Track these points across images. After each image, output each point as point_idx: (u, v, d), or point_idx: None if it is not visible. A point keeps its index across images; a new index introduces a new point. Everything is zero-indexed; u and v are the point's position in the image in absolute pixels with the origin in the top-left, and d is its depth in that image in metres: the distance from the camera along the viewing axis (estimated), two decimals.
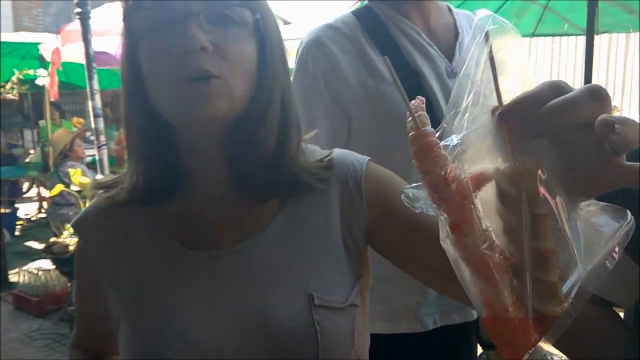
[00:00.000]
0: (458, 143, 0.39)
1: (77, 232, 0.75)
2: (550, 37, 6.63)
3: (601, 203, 0.41)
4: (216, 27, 0.59)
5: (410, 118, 0.40)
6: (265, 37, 0.63)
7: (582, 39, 3.53)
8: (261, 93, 0.62)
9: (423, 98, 0.41)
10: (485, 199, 0.40)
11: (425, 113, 0.40)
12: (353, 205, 0.69)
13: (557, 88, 0.37)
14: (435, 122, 0.39)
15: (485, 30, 0.39)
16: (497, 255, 0.39)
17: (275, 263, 0.65)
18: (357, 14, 1.09)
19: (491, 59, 0.39)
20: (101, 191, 0.72)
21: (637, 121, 0.37)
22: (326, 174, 0.69)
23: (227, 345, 0.62)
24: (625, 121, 0.35)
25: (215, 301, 0.64)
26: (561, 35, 5.20)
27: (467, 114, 0.39)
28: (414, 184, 0.41)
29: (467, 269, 0.40)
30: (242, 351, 0.62)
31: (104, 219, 0.71)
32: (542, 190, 0.38)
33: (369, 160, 0.72)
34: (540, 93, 0.37)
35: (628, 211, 0.41)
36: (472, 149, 0.39)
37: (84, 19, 3.00)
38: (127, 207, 0.68)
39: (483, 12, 0.40)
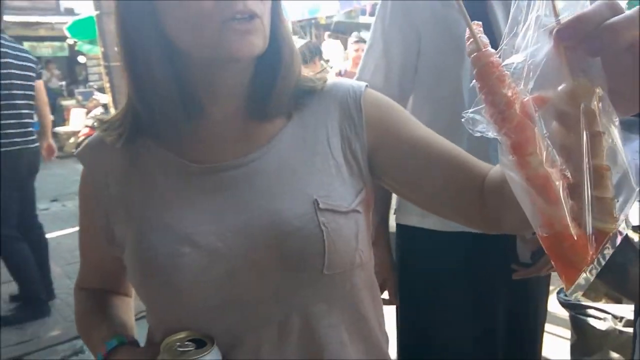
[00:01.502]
0: (519, 63, 0.39)
1: (81, 159, 0.75)
2: None
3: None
4: None
5: (471, 40, 0.40)
6: None
7: None
8: (279, 29, 0.67)
9: (480, 22, 0.41)
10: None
11: (485, 35, 0.40)
12: (353, 124, 0.73)
13: (613, 7, 0.38)
14: (496, 47, 0.40)
15: None
16: (558, 173, 0.40)
17: (281, 172, 0.69)
18: None
19: None
20: (104, 125, 0.73)
21: None
22: (320, 84, 0.74)
23: (236, 246, 0.65)
24: None
25: (223, 207, 0.67)
26: None
27: (527, 35, 0.39)
28: (472, 108, 0.41)
29: (527, 189, 0.40)
30: (252, 252, 0.65)
31: (109, 145, 0.72)
32: (599, 108, 0.39)
33: (366, 85, 0.76)
34: (598, 11, 0.38)
35: None
36: (531, 69, 0.39)
37: None
38: (133, 135, 0.70)
39: None
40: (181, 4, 0.61)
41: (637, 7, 0.38)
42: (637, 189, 0.40)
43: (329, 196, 0.68)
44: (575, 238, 0.40)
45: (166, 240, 0.65)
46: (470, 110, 0.41)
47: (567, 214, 0.40)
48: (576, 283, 0.41)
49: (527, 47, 0.40)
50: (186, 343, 0.62)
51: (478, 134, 0.41)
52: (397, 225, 1.35)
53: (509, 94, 0.39)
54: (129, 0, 0.64)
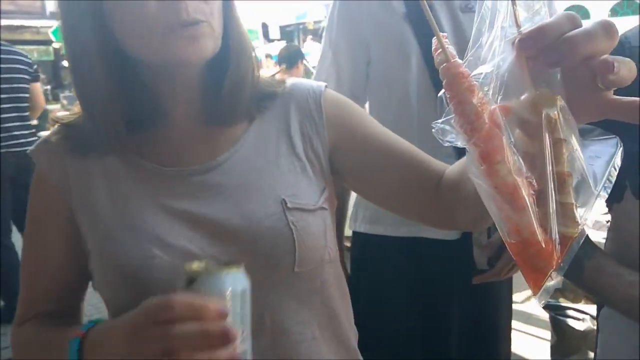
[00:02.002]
0: (486, 74, 0.40)
1: (37, 158, 0.72)
2: None
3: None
4: None
5: (439, 50, 0.40)
6: None
7: None
8: (229, 29, 0.67)
9: (445, 33, 0.42)
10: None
11: (451, 46, 0.41)
12: (314, 123, 0.75)
13: (573, 20, 0.40)
14: None
15: None
16: (524, 181, 0.41)
17: (248, 174, 0.70)
18: None
19: None
20: (64, 128, 0.72)
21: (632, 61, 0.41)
22: (281, 87, 0.76)
23: (208, 248, 0.66)
24: (622, 61, 0.39)
25: (193, 211, 0.67)
26: None
27: (493, 46, 0.40)
28: (442, 119, 0.41)
29: (495, 197, 0.41)
30: (223, 253, 0.66)
31: (68, 144, 0.70)
32: (560, 116, 0.41)
33: (326, 85, 0.78)
34: (558, 24, 0.39)
35: (617, 137, 0.45)
36: (498, 79, 0.40)
37: None
38: (93, 138, 0.69)
39: None
40: (126, 10, 0.61)
41: (595, 21, 0.40)
42: (596, 194, 0.41)
43: (296, 195, 0.70)
44: (542, 244, 0.41)
45: (137, 243, 0.65)
46: (440, 121, 0.41)
47: (534, 220, 0.41)
48: (543, 287, 0.43)
49: (493, 58, 0.40)
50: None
51: (447, 144, 0.41)
52: (352, 233, 1.37)
53: (478, 104, 0.39)
54: (76, 1, 0.63)
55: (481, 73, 0.40)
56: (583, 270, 0.81)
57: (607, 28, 0.39)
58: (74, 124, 0.71)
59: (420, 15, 1.06)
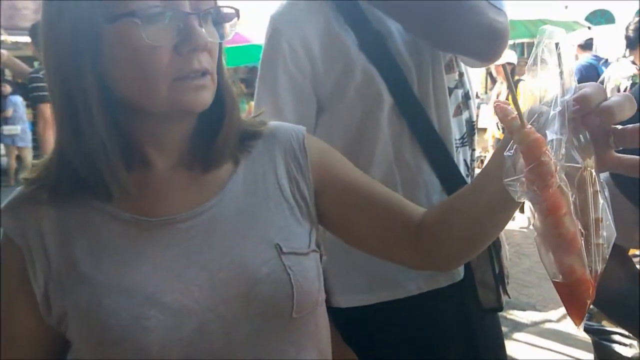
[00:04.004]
0: (554, 139, 0.46)
1: (5, 224, 0.65)
2: None
3: None
4: (205, 24, 0.62)
5: (514, 116, 0.45)
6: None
7: None
8: (220, 77, 0.67)
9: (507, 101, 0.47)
10: None
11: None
12: (299, 166, 0.75)
13: (603, 91, 0.49)
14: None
15: (557, 42, 0.47)
16: (580, 229, 0.47)
17: (238, 219, 0.68)
18: None
19: (560, 68, 0.47)
20: (32, 178, 0.66)
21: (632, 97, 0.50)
22: (264, 128, 0.76)
23: (204, 300, 0.63)
24: (625, 100, 0.49)
25: (184, 261, 0.64)
26: None
27: (551, 114, 0.47)
28: (512, 177, 0.47)
29: (555, 243, 0.47)
30: (221, 304, 0.63)
31: (42, 203, 0.65)
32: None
33: (305, 128, 0.79)
34: (596, 94, 0.48)
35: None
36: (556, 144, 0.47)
37: None
38: (69, 190, 0.64)
39: (549, 28, 0.48)
40: (133, 59, 0.59)
41: (622, 94, 0.49)
42: (615, 234, 0.50)
43: (289, 239, 0.69)
44: (589, 282, 0.48)
45: (128, 304, 0.61)
46: (510, 179, 0.46)
47: (585, 262, 0.48)
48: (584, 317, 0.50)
49: (554, 123, 0.47)
50: None
51: (520, 199, 0.46)
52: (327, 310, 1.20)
53: (553, 166, 0.45)
54: (70, 47, 0.60)
55: (552, 140, 0.46)
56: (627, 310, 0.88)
57: (631, 100, 0.49)
58: (44, 177, 0.65)
59: (377, 45, 1.01)
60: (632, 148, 0.50)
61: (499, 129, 5.11)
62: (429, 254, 0.74)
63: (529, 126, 0.46)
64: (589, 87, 0.49)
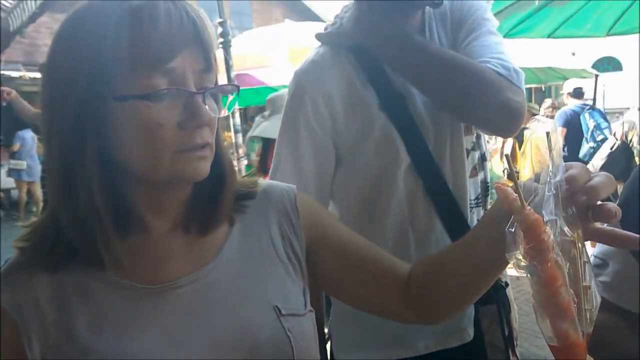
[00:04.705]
0: (550, 219, 0.53)
1: (1, 289, 0.63)
2: None
3: None
4: (207, 99, 0.64)
5: (515, 197, 0.53)
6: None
7: None
8: (218, 147, 0.69)
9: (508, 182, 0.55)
10: None
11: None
12: (292, 225, 0.77)
13: (588, 171, 0.58)
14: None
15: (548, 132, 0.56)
16: (573, 297, 0.54)
17: (236, 282, 0.69)
18: (351, 48, 1.09)
19: (550, 153, 0.55)
20: (25, 246, 0.65)
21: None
22: (255, 187, 0.78)
23: None
24: (606, 181, 0.57)
25: (184, 329, 0.65)
26: None
27: (546, 195, 0.54)
28: (513, 252, 0.54)
29: (551, 310, 0.54)
30: None
31: (36, 272, 0.64)
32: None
33: (296, 186, 0.81)
34: (582, 174, 0.57)
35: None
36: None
37: (226, 47, 3.73)
38: (62, 258, 0.64)
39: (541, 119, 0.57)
40: (138, 136, 0.61)
41: (603, 174, 0.57)
42: (600, 299, 0.56)
43: (287, 300, 0.71)
44: (582, 345, 0.55)
45: None
46: (511, 253, 0.54)
47: (577, 327, 0.54)
48: None
49: (549, 206, 0.54)
50: None
51: (521, 273, 0.53)
52: None
53: (551, 243, 0.52)
54: (73, 117, 0.60)
55: (549, 220, 0.53)
56: None
57: (611, 179, 0.58)
58: (40, 243, 0.65)
59: (397, 105, 1.05)
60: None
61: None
62: (420, 306, 0.77)
63: (529, 208, 0.53)
64: (575, 169, 0.57)
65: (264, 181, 0.81)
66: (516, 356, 1.15)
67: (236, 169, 0.82)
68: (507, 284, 1.17)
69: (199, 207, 0.70)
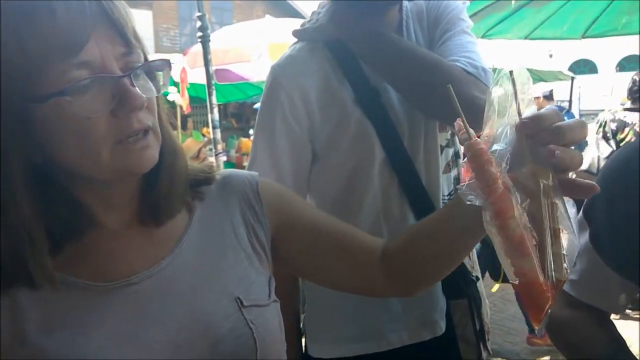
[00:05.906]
0: (500, 150, 0.50)
1: None
2: None
3: None
4: (138, 80, 0.60)
5: (463, 130, 0.50)
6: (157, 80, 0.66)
7: None
8: (163, 131, 0.66)
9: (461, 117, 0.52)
10: None
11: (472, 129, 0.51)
12: (255, 213, 0.75)
13: (559, 114, 0.54)
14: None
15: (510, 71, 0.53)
16: (529, 234, 0.51)
17: (196, 274, 0.67)
18: (327, 43, 1.09)
19: (515, 93, 0.52)
20: None
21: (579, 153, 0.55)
22: (215, 174, 0.75)
23: None
24: (574, 124, 0.53)
25: (143, 324, 0.62)
26: None
27: (505, 130, 0.51)
28: (464, 184, 0.51)
29: (505, 246, 0.51)
30: None
31: None
32: (552, 185, 0.52)
33: (258, 174, 0.79)
34: (550, 115, 0.53)
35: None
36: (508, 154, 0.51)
37: (205, 42, 3.54)
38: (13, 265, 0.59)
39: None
40: (70, 134, 0.57)
41: (574, 119, 0.54)
42: (579, 246, 0.53)
43: (249, 290, 0.68)
44: (542, 284, 0.51)
45: None
46: (462, 185, 0.51)
47: (536, 265, 0.51)
48: (542, 321, 0.52)
49: (505, 138, 0.51)
50: None
51: (469, 202, 0.50)
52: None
53: (495, 172, 0.49)
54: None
55: (495, 150, 0.50)
56: None
57: (583, 125, 0.54)
58: None
59: (373, 101, 1.05)
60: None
61: None
62: (397, 277, 0.76)
63: (476, 139, 0.50)
64: (544, 110, 0.54)
65: (224, 170, 0.78)
66: (487, 350, 1.15)
67: (214, 165, 0.79)
68: (477, 278, 1.16)
69: (152, 197, 0.67)
